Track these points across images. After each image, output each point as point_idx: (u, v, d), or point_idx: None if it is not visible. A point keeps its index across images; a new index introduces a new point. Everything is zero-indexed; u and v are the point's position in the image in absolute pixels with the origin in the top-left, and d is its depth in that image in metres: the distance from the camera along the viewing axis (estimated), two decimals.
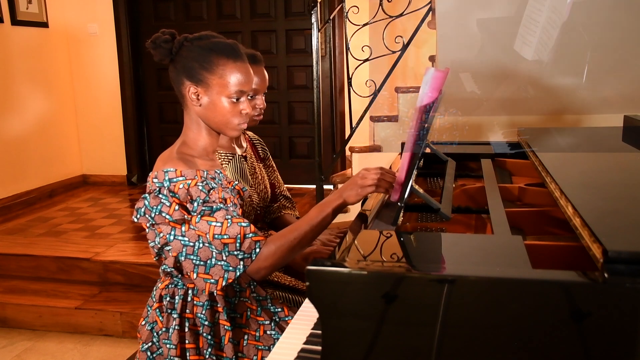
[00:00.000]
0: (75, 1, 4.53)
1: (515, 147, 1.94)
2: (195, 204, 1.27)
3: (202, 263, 1.28)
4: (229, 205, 1.30)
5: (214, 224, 1.26)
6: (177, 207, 1.26)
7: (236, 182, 1.50)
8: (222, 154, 1.68)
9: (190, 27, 4.39)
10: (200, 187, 1.28)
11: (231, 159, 1.70)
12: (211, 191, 1.29)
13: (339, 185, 3.37)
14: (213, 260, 1.27)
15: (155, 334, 1.36)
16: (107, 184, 4.79)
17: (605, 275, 0.77)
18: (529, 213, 1.31)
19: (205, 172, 1.32)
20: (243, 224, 1.27)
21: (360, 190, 1.29)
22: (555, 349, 0.79)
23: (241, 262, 1.27)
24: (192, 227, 1.27)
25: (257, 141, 1.95)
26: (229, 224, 1.26)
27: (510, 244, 0.97)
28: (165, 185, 1.28)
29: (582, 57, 2.58)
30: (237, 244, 1.26)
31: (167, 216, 1.27)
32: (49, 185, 4.43)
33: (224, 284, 1.28)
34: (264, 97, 1.73)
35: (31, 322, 2.72)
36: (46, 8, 4.34)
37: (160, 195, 1.27)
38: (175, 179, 1.28)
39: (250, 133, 1.95)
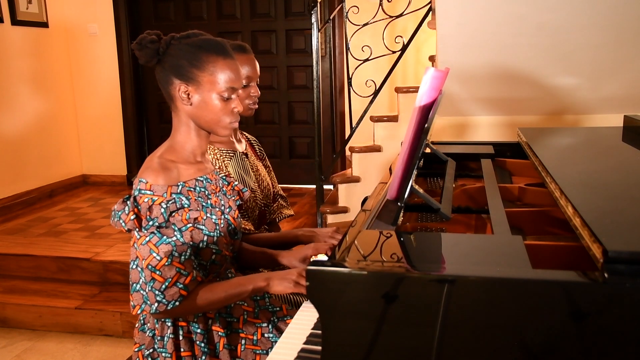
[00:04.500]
0: (75, 1, 4.53)
1: (515, 147, 1.94)
2: (150, 223, 1.23)
3: (130, 282, 1.27)
4: (191, 231, 1.26)
5: (154, 254, 1.22)
6: (133, 217, 1.22)
7: (236, 183, 1.50)
8: (224, 151, 1.70)
9: (190, 27, 4.34)
10: (162, 208, 1.23)
11: (233, 156, 1.71)
12: (175, 213, 1.25)
13: (339, 186, 3.37)
14: (137, 285, 1.25)
15: (156, 340, 1.35)
16: (107, 184, 4.79)
17: (605, 275, 0.77)
18: (529, 213, 1.31)
19: (179, 187, 1.28)
20: (182, 271, 1.24)
21: (292, 286, 1.26)
22: (555, 349, 0.79)
23: (156, 304, 1.23)
24: (135, 246, 1.25)
25: (254, 141, 1.97)
26: (167, 263, 1.22)
27: (510, 244, 0.96)
28: (135, 194, 1.26)
29: (582, 57, 2.58)
30: (163, 287, 1.22)
31: (122, 223, 1.24)
32: (49, 185, 4.43)
33: (139, 311, 1.25)
34: (257, 86, 1.73)
35: (31, 322, 2.72)
36: (46, 8, 4.34)
37: (127, 202, 1.25)
38: (143, 191, 1.25)
39: (246, 134, 1.96)
